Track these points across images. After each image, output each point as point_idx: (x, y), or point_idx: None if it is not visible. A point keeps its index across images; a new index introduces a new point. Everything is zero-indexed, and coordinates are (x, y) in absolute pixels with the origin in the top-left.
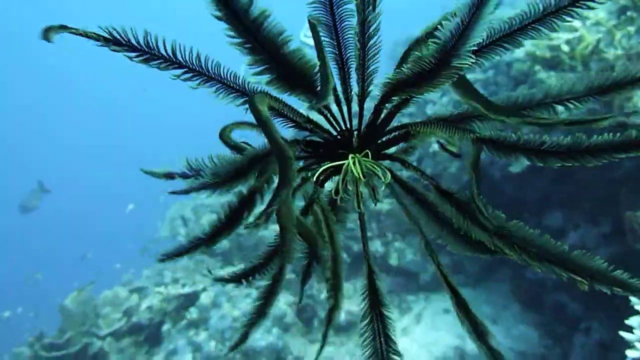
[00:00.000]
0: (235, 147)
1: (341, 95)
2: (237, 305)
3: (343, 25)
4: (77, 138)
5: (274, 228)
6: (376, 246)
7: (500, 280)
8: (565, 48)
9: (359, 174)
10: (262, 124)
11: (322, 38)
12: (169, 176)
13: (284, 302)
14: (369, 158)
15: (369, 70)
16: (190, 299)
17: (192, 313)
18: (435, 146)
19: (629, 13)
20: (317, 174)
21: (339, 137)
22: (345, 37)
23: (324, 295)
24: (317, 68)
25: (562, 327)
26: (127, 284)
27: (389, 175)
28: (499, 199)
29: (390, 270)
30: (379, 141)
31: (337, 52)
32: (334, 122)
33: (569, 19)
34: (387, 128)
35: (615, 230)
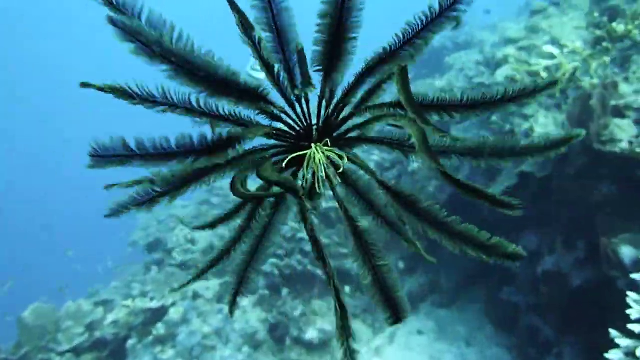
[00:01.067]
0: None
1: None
2: (207, 321)
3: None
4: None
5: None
6: (352, 264)
7: (475, 300)
8: (544, 74)
9: (320, 159)
10: (276, 183)
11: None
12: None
13: (256, 319)
14: (328, 146)
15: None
16: (159, 314)
17: (160, 329)
18: (415, 165)
19: (604, 44)
20: (285, 162)
21: (301, 132)
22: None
23: (297, 312)
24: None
25: (535, 350)
26: (94, 295)
27: (345, 159)
28: (476, 217)
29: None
30: (335, 133)
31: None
32: (298, 121)
33: None
34: (340, 119)
35: (590, 255)
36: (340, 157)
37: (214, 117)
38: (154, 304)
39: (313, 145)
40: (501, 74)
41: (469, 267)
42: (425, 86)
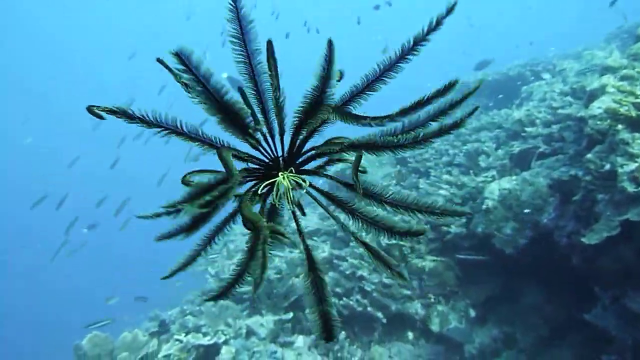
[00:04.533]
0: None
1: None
2: None
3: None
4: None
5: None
6: (416, 307)
7: None
8: None
9: (287, 185)
10: (222, 159)
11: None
12: (157, 215)
13: None
14: (293, 174)
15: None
16: (211, 351)
17: None
18: (490, 203)
19: None
20: (260, 189)
21: (270, 162)
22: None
23: (356, 359)
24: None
25: None
26: (153, 319)
27: (307, 183)
28: (564, 266)
29: (431, 336)
30: (298, 161)
31: (262, 107)
32: (267, 153)
33: None
34: (302, 151)
35: None
36: (304, 181)
37: (197, 140)
38: (206, 341)
39: (280, 173)
40: (598, 105)
41: (550, 322)
42: (501, 117)
